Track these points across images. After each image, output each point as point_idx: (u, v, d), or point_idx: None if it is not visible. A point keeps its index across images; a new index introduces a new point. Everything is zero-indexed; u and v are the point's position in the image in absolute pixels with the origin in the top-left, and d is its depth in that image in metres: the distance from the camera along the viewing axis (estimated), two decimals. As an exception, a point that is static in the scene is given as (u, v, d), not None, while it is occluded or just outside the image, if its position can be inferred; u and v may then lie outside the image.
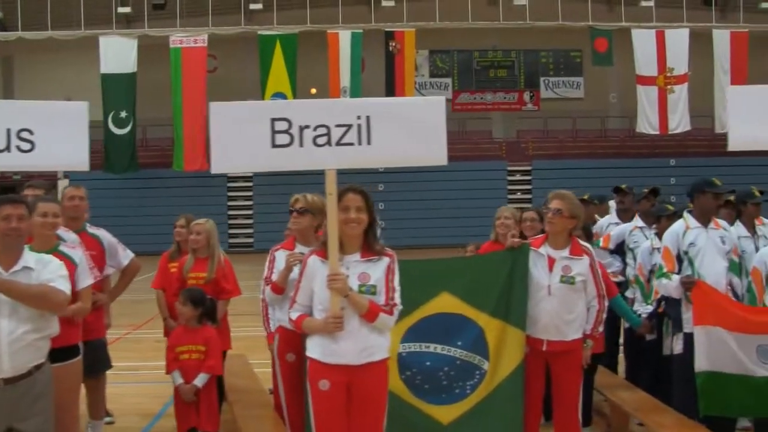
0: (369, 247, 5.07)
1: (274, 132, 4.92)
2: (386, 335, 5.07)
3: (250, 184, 32.30)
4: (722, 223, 6.96)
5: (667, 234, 6.84)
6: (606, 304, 6.19)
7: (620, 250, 8.44)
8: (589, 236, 7.65)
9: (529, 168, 32.59)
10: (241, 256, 22.13)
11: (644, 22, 30.71)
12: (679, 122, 30.47)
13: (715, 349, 6.13)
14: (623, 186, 9.22)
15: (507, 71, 35.07)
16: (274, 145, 4.93)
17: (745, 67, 30.30)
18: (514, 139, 34.43)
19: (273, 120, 4.93)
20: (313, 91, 32.08)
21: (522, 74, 35.03)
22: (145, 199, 31.44)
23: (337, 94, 29.86)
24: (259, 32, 30.04)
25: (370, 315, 4.91)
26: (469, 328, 5.97)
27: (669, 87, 30.32)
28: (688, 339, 6.48)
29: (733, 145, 5.08)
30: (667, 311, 6.93)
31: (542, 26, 31.01)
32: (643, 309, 7.53)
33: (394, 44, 30.20)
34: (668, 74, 30.33)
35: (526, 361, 6.08)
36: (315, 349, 5.01)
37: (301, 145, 4.94)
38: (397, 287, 5.05)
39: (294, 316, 5.12)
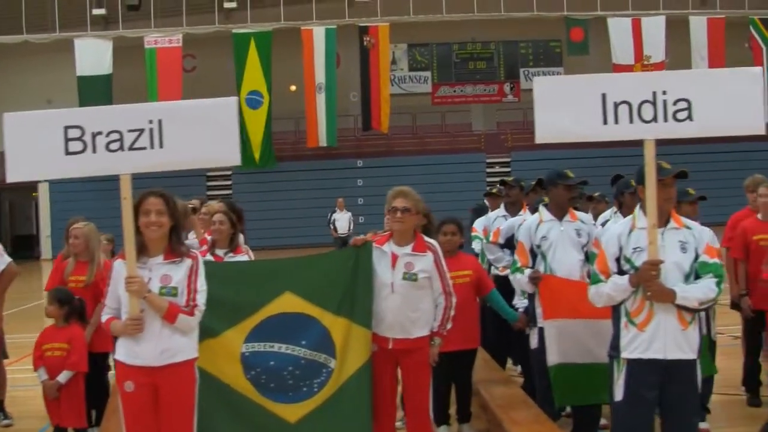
0: (172, 250, 5.10)
1: (67, 139, 4.94)
2: (191, 336, 5.10)
3: (229, 182, 32.37)
4: (581, 215, 6.95)
5: (522, 228, 6.84)
6: (453, 301, 6.08)
7: (510, 244, 8.42)
8: None
9: (508, 160, 32.53)
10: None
11: (620, 11, 30.64)
12: (657, 110, 30.35)
13: (564, 342, 6.14)
14: (509, 179, 9.23)
15: (486, 63, 34.99)
16: (68, 153, 4.96)
17: (723, 53, 30.22)
18: (493, 131, 34.35)
19: (66, 128, 4.96)
20: (293, 88, 32.15)
21: (501, 66, 34.94)
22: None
23: (312, 90, 29.96)
24: (234, 30, 30.20)
25: (169, 316, 4.95)
26: (314, 327, 5.89)
27: (647, 75, 30.19)
28: (542, 333, 6.48)
29: (540, 137, 5.04)
30: (528, 306, 6.93)
31: (517, 17, 30.99)
32: (521, 303, 7.49)
33: (368, 39, 30.24)
34: (645, 62, 30.27)
35: (375, 359, 6.00)
36: (120, 351, 5.07)
37: (94, 151, 4.96)
38: (200, 289, 5.07)
39: (104, 319, 5.17)
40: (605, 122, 4.93)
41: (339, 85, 30.13)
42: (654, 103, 4.90)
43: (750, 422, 7.33)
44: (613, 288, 5.02)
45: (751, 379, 7.97)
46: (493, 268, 8.55)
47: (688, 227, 5.12)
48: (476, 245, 9.12)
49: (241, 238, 8.14)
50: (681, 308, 4.94)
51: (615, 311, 5.12)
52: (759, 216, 7.88)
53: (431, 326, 6.03)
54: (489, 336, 8.64)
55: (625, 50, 30.25)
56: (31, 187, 32.30)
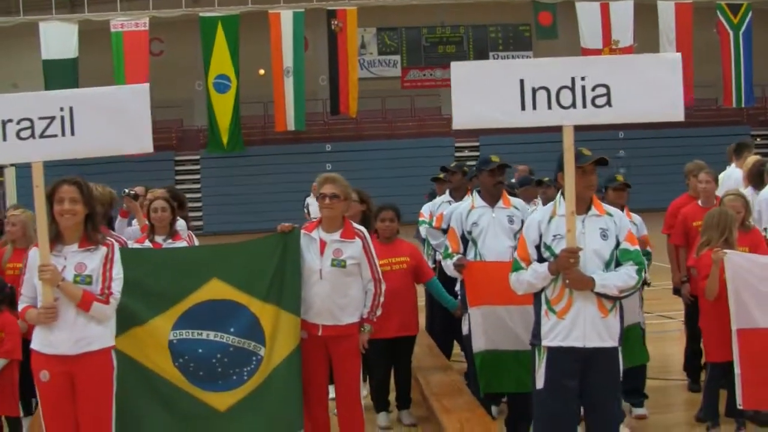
0: (88, 238, 5.05)
1: (-22, 127, 4.86)
2: (107, 325, 5.05)
3: (197, 167, 32.18)
4: (515, 202, 6.92)
5: (454, 214, 6.81)
6: (383, 287, 6.09)
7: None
8: None
9: (476, 144, 32.46)
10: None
11: (588, -6, 30.61)
12: (625, 95, 30.41)
13: (491, 328, 6.13)
14: (451, 165, 9.20)
15: (456, 47, 34.84)
16: None
17: (690, 38, 30.20)
18: (463, 115, 34.22)
19: None
20: (262, 72, 31.90)
21: (471, 50, 34.81)
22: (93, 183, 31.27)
23: (280, 74, 29.76)
24: (200, 14, 29.90)
25: (83, 304, 4.90)
26: (242, 314, 5.85)
27: (615, 60, 30.22)
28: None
29: (457, 123, 4.99)
30: (461, 292, 6.91)
31: (485, 0, 30.87)
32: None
33: (336, 23, 30.04)
34: (613, 46, 30.27)
35: (304, 346, 5.98)
36: (35, 339, 5.02)
37: (4, 139, 4.89)
38: (116, 277, 5.04)
39: (20, 307, 5.11)
40: (523, 108, 4.91)
41: (307, 69, 29.92)
42: (573, 89, 4.88)
43: (689, 407, 7.37)
44: (533, 275, 5.00)
45: (691, 365, 7.99)
46: (437, 253, 8.53)
47: (609, 214, 5.11)
48: (422, 230, 9.10)
49: (182, 224, 8.10)
50: (601, 296, 4.94)
51: (536, 299, 5.11)
52: (699, 202, 7.89)
53: (361, 313, 6.04)
54: (437, 322, 8.64)
55: (593, 34, 30.20)
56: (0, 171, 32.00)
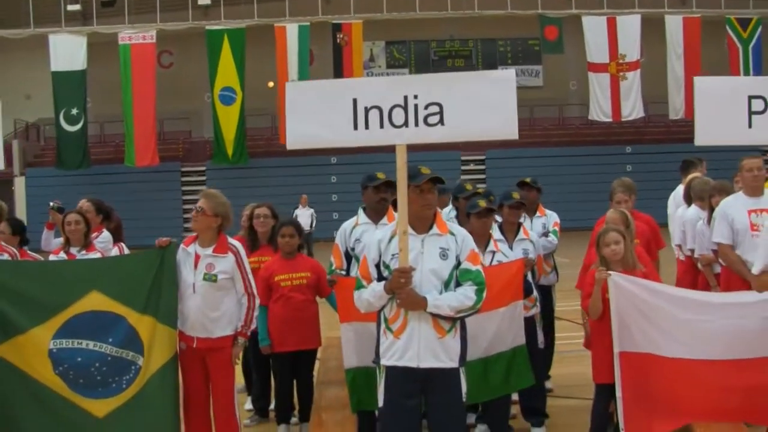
0: None
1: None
2: None
3: (203, 178, 32.39)
4: None
5: (339, 231, 6.81)
6: (256, 302, 6.18)
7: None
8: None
9: (482, 158, 32.40)
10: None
11: (595, 9, 30.48)
12: (632, 109, 30.27)
13: (362, 345, 6.09)
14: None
15: (465, 61, 34.87)
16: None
17: (698, 53, 30.07)
18: (470, 129, 34.19)
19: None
20: (271, 84, 32.10)
21: (480, 64, 34.80)
22: (102, 195, 31.59)
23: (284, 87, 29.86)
24: (207, 27, 30.20)
25: None
26: (120, 325, 6.00)
27: (621, 74, 30.13)
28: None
29: (290, 143, 5.01)
30: None
31: (491, 15, 30.85)
32: None
33: (341, 36, 30.18)
34: (620, 61, 30.14)
35: (183, 358, 6.13)
36: None
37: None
38: None
39: None
40: (356, 127, 4.89)
41: (311, 82, 30.07)
42: (405, 108, 4.86)
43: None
44: (371, 294, 4.98)
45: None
46: None
47: (452, 233, 5.06)
48: None
49: (107, 236, 8.15)
50: (437, 317, 4.88)
51: (378, 317, 5.08)
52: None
53: (235, 326, 6.13)
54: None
55: (599, 49, 30.07)
56: (10, 180, 32.46)
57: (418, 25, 32.48)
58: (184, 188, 32.16)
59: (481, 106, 4.79)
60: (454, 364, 4.97)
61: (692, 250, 8.04)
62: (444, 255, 4.97)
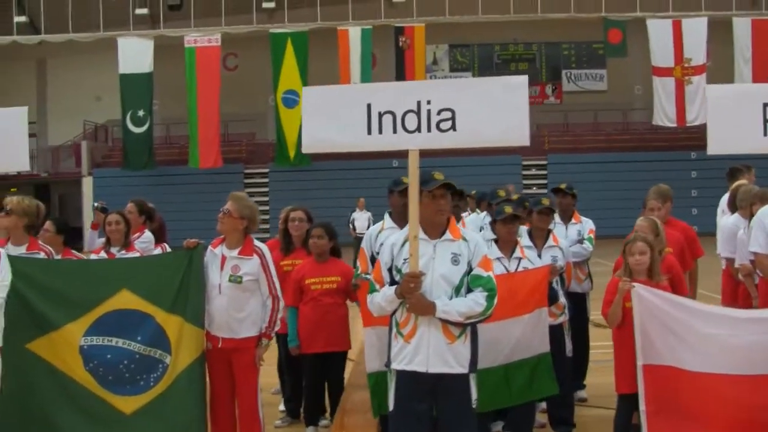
0: None
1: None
2: None
3: (266, 180, 32.75)
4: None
5: (365, 235, 6.85)
6: (280, 304, 6.29)
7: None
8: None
9: (544, 162, 32.15)
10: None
11: (660, 11, 30.02)
12: (698, 114, 29.65)
13: (385, 349, 6.10)
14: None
15: (528, 64, 34.66)
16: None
17: (768, 56, 29.36)
18: (532, 132, 33.98)
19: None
20: (334, 87, 32.26)
21: (544, 67, 34.59)
22: (166, 195, 32.21)
23: (346, 90, 30.06)
24: (271, 30, 30.53)
25: None
26: (148, 324, 6.16)
27: (686, 78, 29.61)
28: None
29: (306, 147, 5.08)
30: None
31: (554, 18, 30.64)
32: None
33: (404, 39, 30.27)
34: (685, 65, 29.63)
35: (209, 357, 6.26)
36: None
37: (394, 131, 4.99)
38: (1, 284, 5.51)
39: None
40: (369, 132, 4.94)
41: (374, 85, 30.20)
42: (418, 113, 4.89)
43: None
44: (383, 298, 5.01)
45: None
46: None
47: (465, 239, 5.07)
48: None
49: (149, 236, 8.33)
50: (447, 322, 4.90)
51: (390, 321, 5.12)
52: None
53: (260, 327, 6.23)
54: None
55: (664, 52, 29.59)
56: (78, 180, 33.28)
57: (481, 28, 32.37)
58: (248, 190, 32.42)
59: (493, 112, 4.81)
60: (464, 370, 4.98)
61: (727, 259, 7.90)
62: (456, 261, 4.98)
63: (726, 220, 8.32)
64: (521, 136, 4.83)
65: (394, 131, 4.92)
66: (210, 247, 6.29)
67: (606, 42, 30.64)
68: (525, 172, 31.77)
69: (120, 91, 30.60)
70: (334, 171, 32.04)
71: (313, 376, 7.35)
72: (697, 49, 29.41)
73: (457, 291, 4.95)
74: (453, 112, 4.85)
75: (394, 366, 5.03)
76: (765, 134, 4.99)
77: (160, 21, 31.34)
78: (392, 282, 5.02)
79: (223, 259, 6.20)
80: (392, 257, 5.06)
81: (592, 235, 8.33)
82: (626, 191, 28.44)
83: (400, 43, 30.30)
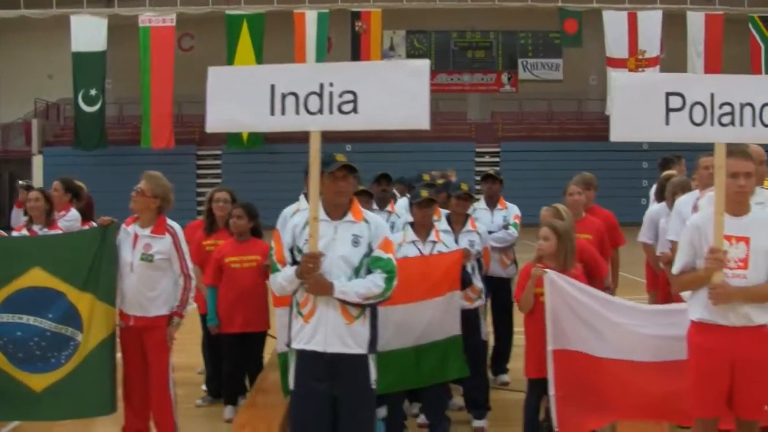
0: None
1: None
2: None
3: (218, 162, 32.59)
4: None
5: (280, 216, 6.89)
6: (193, 283, 6.34)
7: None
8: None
9: (497, 150, 32.33)
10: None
11: (616, 3, 30.26)
12: (650, 105, 29.95)
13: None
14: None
15: (485, 52, 34.72)
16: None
17: (720, 50, 29.76)
18: (487, 120, 34.18)
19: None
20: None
21: (500, 55, 34.66)
22: (118, 175, 31.91)
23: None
24: (226, 12, 30.33)
25: None
26: (60, 302, 6.14)
27: (640, 70, 29.82)
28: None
29: (210, 127, 5.08)
30: None
31: (511, 6, 30.76)
32: None
33: (360, 24, 30.24)
34: (639, 57, 29.94)
35: (122, 335, 6.31)
36: None
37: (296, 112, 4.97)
38: None
39: None
40: (272, 113, 4.95)
41: (329, 69, 30.13)
42: (321, 95, 4.90)
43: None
44: (284, 278, 5.04)
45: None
46: None
47: (367, 221, 5.10)
48: None
49: (75, 214, 8.28)
50: (346, 303, 4.93)
51: (291, 301, 5.14)
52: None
53: (171, 306, 6.27)
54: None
55: (619, 44, 29.91)
56: (28, 158, 32.87)
57: (439, 15, 32.44)
58: (199, 171, 32.41)
59: (395, 95, 4.81)
60: (363, 350, 5.00)
61: (645, 245, 8.06)
62: (356, 242, 5.00)
63: (650, 208, 8.44)
64: (422, 120, 4.85)
65: (297, 112, 4.92)
66: (123, 226, 6.29)
67: (562, 32, 30.87)
68: (478, 159, 31.90)
69: (72, 70, 30.23)
70: (287, 154, 31.88)
71: (232, 356, 7.37)
72: (651, 42, 29.73)
73: (356, 272, 4.98)
74: (355, 94, 4.86)
75: (294, 345, 5.06)
76: (667, 123, 5.03)
77: (114, 0, 30.98)
78: (294, 262, 5.04)
79: (136, 237, 6.22)
80: (294, 238, 5.08)
81: (517, 221, 8.42)
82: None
83: (357, 28, 30.28)
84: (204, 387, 8.10)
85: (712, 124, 5.01)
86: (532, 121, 33.92)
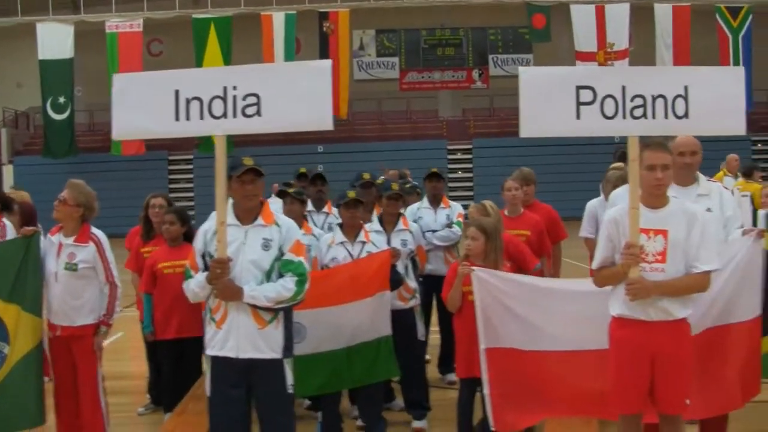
0: None
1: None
2: None
3: (190, 166, 32.46)
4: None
5: (200, 230, 6.84)
6: (118, 291, 6.29)
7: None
8: None
9: (469, 147, 32.32)
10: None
11: (584, -3, 30.28)
12: (620, 99, 29.97)
13: None
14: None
15: (455, 49, 34.73)
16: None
17: (688, 42, 29.78)
18: (458, 117, 34.17)
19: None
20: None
21: (470, 52, 34.68)
22: (90, 183, 31.67)
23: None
24: (193, 15, 30.16)
25: None
26: None
27: (609, 63, 29.81)
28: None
29: (116, 134, 5.04)
30: None
31: (480, 3, 30.73)
32: None
33: (328, 25, 30.12)
34: (608, 50, 29.89)
35: (51, 345, 6.26)
36: None
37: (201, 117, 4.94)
38: None
39: None
40: (177, 119, 4.90)
41: (298, 70, 30.05)
42: (224, 99, 4.85)
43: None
44: (196, 284, 5.01)
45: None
46: None
47: (277, 224, 5.06)
48: None
49: (7, 225, 8.21)
50: (257, 307, 4.89)
51: (204, 308, 5.11)
52: (506, 211, 7.76)
53: (98, 315, 6.22)
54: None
55: (588, 37, 29.82)
56: (-1, 168, 32.67)
57: (408, 13, 32.40)
58: (171, 176, 32.25)
59: (297, 97, 4.78)
60: (277, 355, 4.97)
61: (586, 239, 8.03)
62: (266, 246, 4.97)
63: (590, 202, 8.41)
64: (324, 121, 4.81)
65: (201, 117, 4.89)
66: (48, 235, 6.26)
67: (530, 27, 30.81)
68: (450, 156, 31.91)
69: (40, 78, 30.01)
70: (258, 157, 31.14)
71: (170, 362, 7.31)
72: (619, 34, 29.68)
73: (268, 276, 4.95)
74: (258, 97, 4.82)
75: (208, 352, 5.03)
76: (578, 117, 4.98)
77: (81, 6, 30.77)
78: (206, 268, 5.00)
79: (60, 246, 6.17)
80: (205, 243, 5.05)
81: (460, 219, 8.38)
82: (551, 174, 28.70)
83: (324, 28, 30.15)
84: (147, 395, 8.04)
85: (624, 117, 4.96)
86: (503, 117, 33.90)
